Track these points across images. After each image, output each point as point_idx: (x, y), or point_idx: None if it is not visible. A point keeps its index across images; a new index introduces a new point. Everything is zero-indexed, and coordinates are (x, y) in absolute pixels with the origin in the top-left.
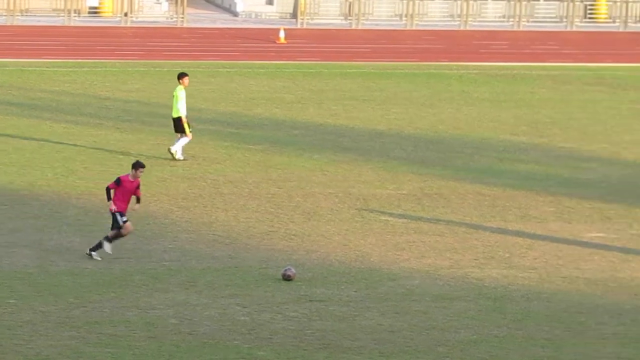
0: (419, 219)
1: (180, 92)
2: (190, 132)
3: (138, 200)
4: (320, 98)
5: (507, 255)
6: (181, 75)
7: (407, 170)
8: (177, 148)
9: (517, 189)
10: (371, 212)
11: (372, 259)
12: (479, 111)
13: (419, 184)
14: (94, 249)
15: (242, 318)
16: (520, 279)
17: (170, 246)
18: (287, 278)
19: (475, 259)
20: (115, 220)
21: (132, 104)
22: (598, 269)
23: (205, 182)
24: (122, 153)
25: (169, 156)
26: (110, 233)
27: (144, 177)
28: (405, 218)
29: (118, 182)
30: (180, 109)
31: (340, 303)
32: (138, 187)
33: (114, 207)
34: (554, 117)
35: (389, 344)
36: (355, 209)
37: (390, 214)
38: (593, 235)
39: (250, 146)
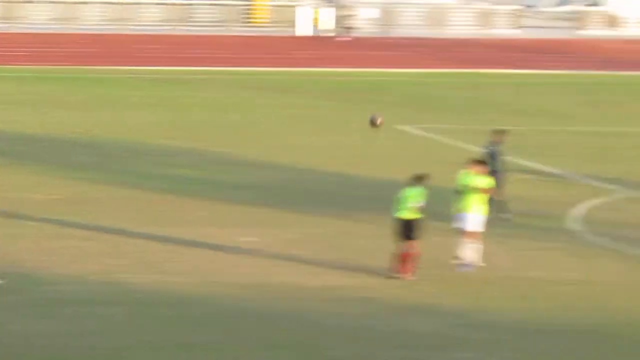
0: (72, 224)
1: None
2: None
3: None
4: None
5: (159, 260)
6: None
7: (62, 175)
8: None
9: (171, 194)
10: (24, 217)
11: (24, 264)
12: (135, 115)
13: (74, 189)
14: None
15: None
16: (173, 284)
17: None
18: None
19: (127, 264)
20: None
21: None
22: (250, 273)
23: None
24: None
25: None
26: None
27: None
28: (57, 223)
29: None
30: None
31: None
32: None
33: None
34: (210, 121)
35: (39, 350)
36: (8, 214)
37: (43, 219)
38: (246, 239)
39: None
